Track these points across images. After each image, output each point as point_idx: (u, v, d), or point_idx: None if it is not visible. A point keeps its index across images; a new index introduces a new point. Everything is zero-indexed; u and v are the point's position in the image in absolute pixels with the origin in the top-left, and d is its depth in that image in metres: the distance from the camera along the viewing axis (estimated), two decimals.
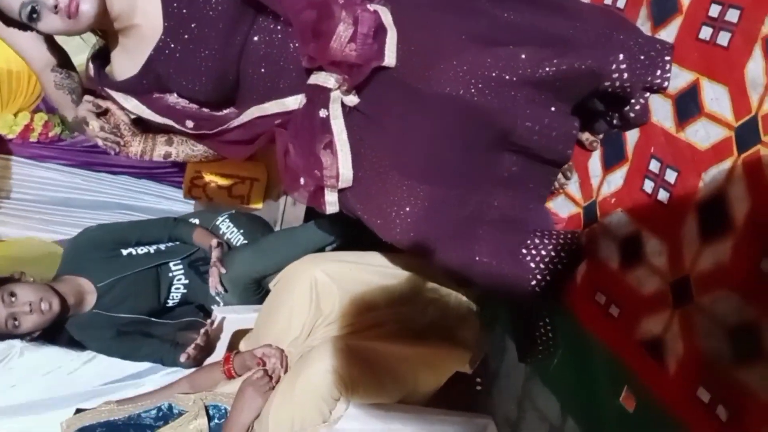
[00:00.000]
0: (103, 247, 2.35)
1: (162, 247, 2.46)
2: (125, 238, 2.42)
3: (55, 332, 2.22)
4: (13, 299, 2.04)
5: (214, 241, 2.35)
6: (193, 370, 2.09)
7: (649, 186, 1.57)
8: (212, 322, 2.16)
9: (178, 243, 2.50)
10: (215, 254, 2.29)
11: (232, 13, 1.44)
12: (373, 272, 2.02)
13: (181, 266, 2.41)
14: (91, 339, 2.25)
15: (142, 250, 2.40)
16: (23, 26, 1.41)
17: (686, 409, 1.42)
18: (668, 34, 1.55)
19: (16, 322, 2.04)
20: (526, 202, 1.60)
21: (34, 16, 1.35)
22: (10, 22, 1.41)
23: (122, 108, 1.58)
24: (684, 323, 1.46)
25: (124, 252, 2.37)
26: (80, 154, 3.10)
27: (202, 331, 2.10)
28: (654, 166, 1.57)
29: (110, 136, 1.59)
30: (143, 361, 2.25)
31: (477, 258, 1.56)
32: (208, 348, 2.15)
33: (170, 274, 2.40)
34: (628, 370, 1.59)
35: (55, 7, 1.34)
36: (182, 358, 2.06)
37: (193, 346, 2.06)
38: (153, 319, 2.33)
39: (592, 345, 1.70)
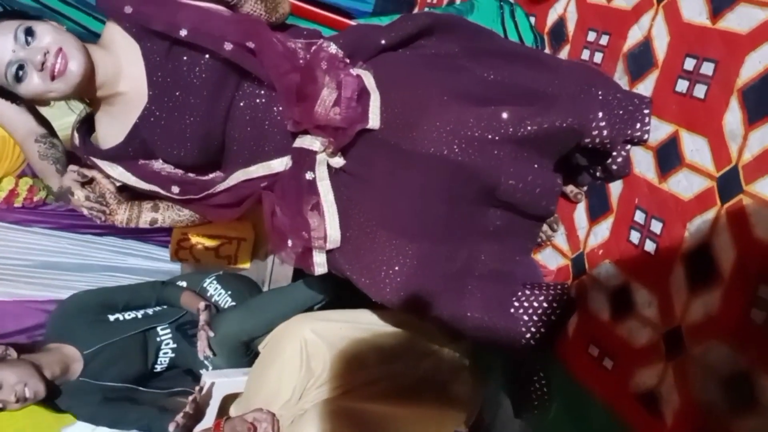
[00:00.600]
0: (90, 313, 2.32)
1: (149, 311, 2.43)
2: (112, 303, 2.39)
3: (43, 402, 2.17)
4: None
5: (202, 304, 2.32)
6: None
7: (635, 237, 1.59)
8: (201, 389, 2.12)
9: (165, 307, 2.47)
10: (203, 317, 2.26)
11: (215, 80, 1.45)
12: (363, 330, 2.00)
13: (168, 330, 2.38)
14: (78, 406, 2.19)
15: (129, 315, 2.37)
16: (7, 95, 1.41)
17: None
18: (646, 87, 1.59)
19: (1, 406, 2.01)
20: (512, 255, 1.59)
21: (20, 74, 1.34)
22: None
23: (107, 176, 1.58)
24: (678, 374, 1.45)
25: (111, 318, 2.34)
26: (65, 217, 3.08)
27: (191, 398, 2.05)
28: (639, 217, 1.58)
29: (96, 206, 1.58)
30: (131, 428, 2.20)
31: (468, 313, 1.55)
32: (197, 415, 2.10)
33: (158, 339, 2.36)
34: (625, 424, 1.57)
35: (42, 64, 1.33)
36: (171, 428, 2.01)
37: (181, 414, 2.01)
38: (141, 388, 2.28)
39: (588, 398, 1.68)
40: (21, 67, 1.34)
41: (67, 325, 2.29)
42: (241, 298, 2.48)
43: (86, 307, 2.34)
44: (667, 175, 1.53)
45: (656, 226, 1.53)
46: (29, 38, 1.33)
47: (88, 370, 2.21)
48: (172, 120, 1.48)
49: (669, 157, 1.53)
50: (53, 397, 2.15)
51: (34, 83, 1.36)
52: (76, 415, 2.20)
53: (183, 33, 1.41)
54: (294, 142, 1.51)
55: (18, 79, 1.35)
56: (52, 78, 1.35)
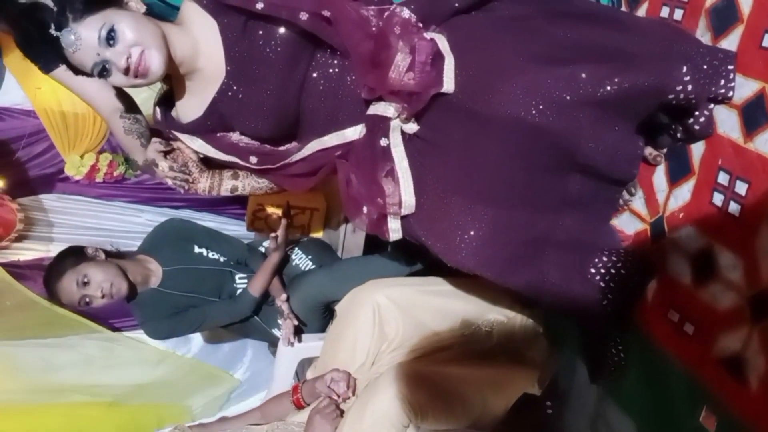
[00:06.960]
0: (179, 238, 2.53)
1: (231, 261, 2.57)
2: (202, 239, 2.58)
3: None
4: (86, 281, 2.24)
5: (284, 296, 2.36)
6: (263, 401, 2.12)
7: (718, 199, 1.54)
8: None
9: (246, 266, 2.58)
10: (285, 308, 2.31)
11: (290, 52, 1.47)
12: (436, 296, 2.01)
13: (246, 281, 2.48)
14: (144, 314, 2.41)
15: (213, 254, 2.55)
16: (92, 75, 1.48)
17: None
18: (730, 43, 1.52)
19: (88, 300, 2.26)
20: (592, 222, 1.57)
21: (105, 73, 1.42)
22: (80, 72, 1.47)
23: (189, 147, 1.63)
24: (764, 339, 1.41)
25: (196, 249, 2.53)
26: (144, 191, 3.20)
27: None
28: (723, 178, 1.53)
29: (179, 175, 1.65)
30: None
31: (545, 279, 1.55)
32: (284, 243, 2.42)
33: (234, 285, 2.50)
34: (707, 389, 1.54)
35: (126, 69, 1.40)
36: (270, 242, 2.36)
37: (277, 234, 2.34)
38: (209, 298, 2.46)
39: (668, 364, 1.65)
40: (105, 68, 1.41)
41: (156, 242, 2.54)
42: (321, 262, 2.55)
43: (178, 231, 2.57)
44: (753, 135, 1.47)
45: (741, 188, 1.48)
46: (111, 38, 1.38)
47: (163, 284, 2.42)
48: (249, 94, 1.51)
49: (755, 116, 1.46)
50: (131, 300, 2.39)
51: (117, 80, 1.44)
52: (140, 323, 2.46)
53: (260, 6, 1.43)
54: (368, 109, 1.53)
55: (102, 76, 1.42)
56: (135, 77, 1.42)
